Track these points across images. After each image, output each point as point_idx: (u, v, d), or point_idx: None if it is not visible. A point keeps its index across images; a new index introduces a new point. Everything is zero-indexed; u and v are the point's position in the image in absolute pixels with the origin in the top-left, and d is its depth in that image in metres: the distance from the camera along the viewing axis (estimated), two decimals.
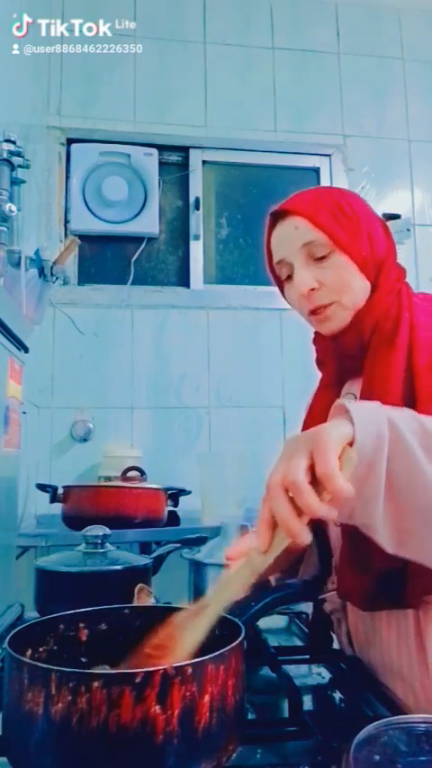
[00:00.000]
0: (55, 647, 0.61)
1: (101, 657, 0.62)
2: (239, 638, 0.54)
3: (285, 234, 0.85)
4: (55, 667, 0.47)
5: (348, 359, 0.86)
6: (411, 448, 0.59)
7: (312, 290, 0.83)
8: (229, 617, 0.60)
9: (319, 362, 0.94)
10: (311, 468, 0.54)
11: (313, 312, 0.85)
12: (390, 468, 0.59)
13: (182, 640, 0.55)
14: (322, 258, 0.83)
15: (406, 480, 0.59)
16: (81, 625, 0.64)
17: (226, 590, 0.58)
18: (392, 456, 0.59)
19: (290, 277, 0.86)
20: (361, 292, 0.83)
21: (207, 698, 0.48)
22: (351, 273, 0.83)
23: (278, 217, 0.86)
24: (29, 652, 0.58)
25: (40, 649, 0.60)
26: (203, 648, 0.53)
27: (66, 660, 0.58)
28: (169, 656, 0.54)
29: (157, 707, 0.45)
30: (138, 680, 0.45)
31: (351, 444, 0.57)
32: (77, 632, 0.64)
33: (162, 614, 0.62)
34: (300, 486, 0.53)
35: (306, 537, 0.53)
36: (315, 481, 0.54)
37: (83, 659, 0.63)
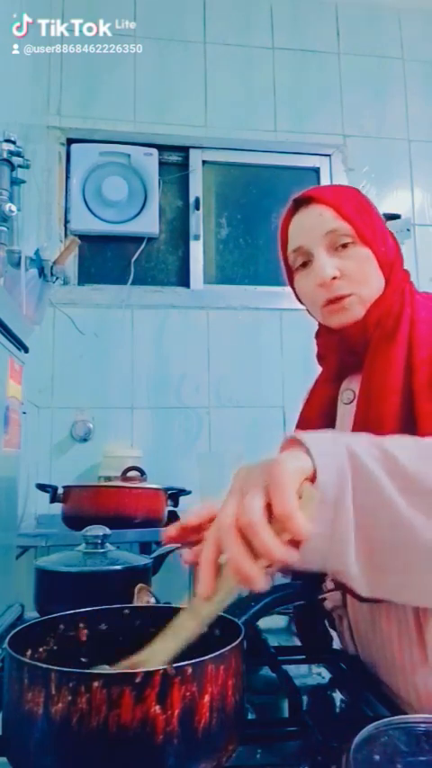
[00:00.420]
0: (55, 647, 0.61)
1: (101, 657, 0.62)
2: (239, 639, 0.54)
3: (308, 220, 0.85)
4: (55, 667, 0.47)
5: (350, 354, 0.86)
6: (375, 477, 0.54)
7: (334, 278, 0.83)
8: (229, 617, 0.60)
9: (320, 357, 0.94)
10: (268, 507, 0.48)
11: (330, 302, 0.84)
12: (355, 502, 0.53)
13: None
14: (344, 248, 0.83)
15: (373, 512, 0.54)
16: (81, 625, 0.64)
17: (168, 644, 0.52)
18: (356, 488, 0.53)
19: (305, 265, 0.86)
20: (377, 288, 0.84)
21: (207, 698, 0.48)
22: (371, 266, 0.83)
23: (300, 204, 0.86)
24: (29, 652, 0.58)
25: (40, 649, 0.60)
26: (203, 648, 0.53)
27: (66, 660, 0.58)
28: None
29: (157, 707, 0.45)
30: (138, 680, 0.45)
31: (312, 480, 0.52)
32: (77, 632, 0.64)
33: (162, 614, 0.62)
34: (257, 527, 0.47)
35: (263, 584, 0.48)
36: (272, 520, 0.48)
37: (83, 659, 0.63)
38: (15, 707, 0.48)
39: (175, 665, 0.47)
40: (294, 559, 0.48)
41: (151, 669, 0.46)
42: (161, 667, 0.46)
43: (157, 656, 0.52)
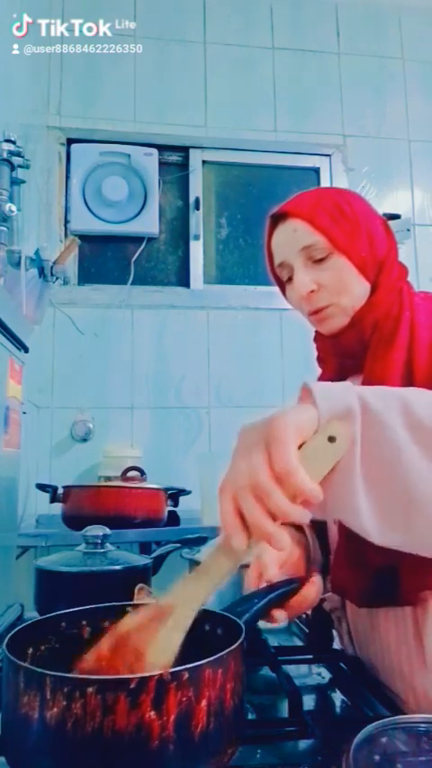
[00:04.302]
0: (57, 645, 0.61)
1: None
2: (239, 641, 0.53)
3: (285, 237, 0.85)
4: (50, 672, 0.46)
5: (349, 357, 0.87)
6: (387, 426, 0.52)
7: (311, 292, 0.83)
8: (230, 616, 0.60)
9: (320, 360, 0.95)
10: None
11: (313, 313, 0.86)
12: (363, 450, 0.52)
13: (157, 645, 0.51)
14: (321, 260, 0.83)
15: (383, 461, 0.52)
16: (83, 623, 0.64)
17: (200, 588, 0.52)
18: (366, 437, 0.52)
19: (290, 279, 0.86)
20: (360, 293, 0.84)
21: (204, 703, 0.47)
22: (350, 275, 0.83)
23: (278, 219, 0.86)
24: (30, 650, 0.58)
25: (42, 647, 0.60)
26: (203, 648, 0.53)
27: (68, 658, 0.58)
28: (142, 665, 0.51)
29: (152, 713, 0.45)
30: (132, 686, 0.45)
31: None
32: (80, 630, 0.64)
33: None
34: (264, 488, 0.48)
35: (284, 541, 0.49)
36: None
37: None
38: (12, 709, 0.48)
39: (171, 669, 0.46)
40: (307, 518, 0.49)
41: (146, 675, 0.45)
42: (156, 673, 0.45)
43: (188, 602, 0.52)
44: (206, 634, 0.62)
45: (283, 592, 0.70)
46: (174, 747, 0.45)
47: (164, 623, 0.52)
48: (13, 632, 0.55)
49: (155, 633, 0.52)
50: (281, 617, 0.69)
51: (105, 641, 0.55)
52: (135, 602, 0.68)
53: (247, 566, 0.73)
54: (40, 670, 0.47)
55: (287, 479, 0.48)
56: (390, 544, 0.55)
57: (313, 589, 0.73)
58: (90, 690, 0.44)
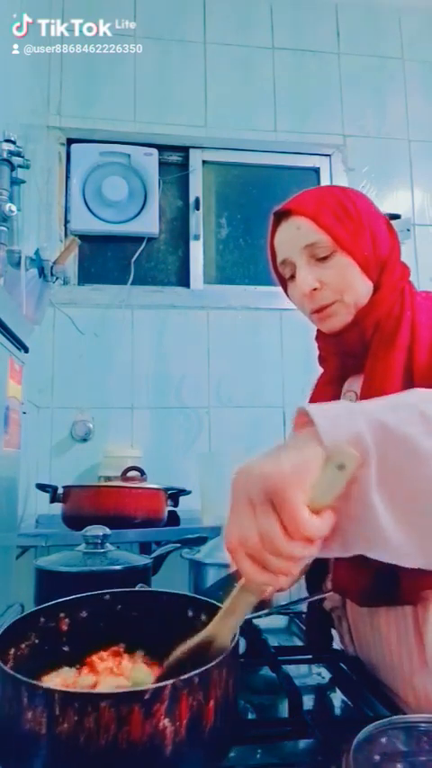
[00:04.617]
0: (37, 641, 0.61)
1: (84, 645, 0.62)
2: (235, 639, 0.54)
3: (288, 234, 0.85)
4: (59, 689, 0.46)
5: (350, 357, 0.87)
6: (411, 440, 0.49)
7: (314, 290, 0.83)
8: (214, 602, 0.61)
9: (322, 359, 0.95)
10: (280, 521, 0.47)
11: (315, 311, 0.86)
12: (386, 472, 0.49)
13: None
14: (324, 258, 0.83)
15: (413, 480, 0.49)
16: (61, 615, 0.63)
17: (232, 620, 0.54)
18: (383, 458, 0.49)
19: (293, 276, 0.86)
20: (363, 292, 0.84)
21: (213, 703, 0.48)
22: (353, 273, 0.83)
23: (281, 217, 0.86)
24: (12, 651, 0.58)
25: (22, 646, 0.59)
26: (185, 632, 0.53)
27: (47, 653, 0.58)
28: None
29: (166, 720, 0.45)
30: (147, 696, 0.45)
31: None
32: (58, 623, 0.63)
33: (142, 598, 0.62)
34: (283, 551, 0.47)
35: (289, 582, 0.50)
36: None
37: (65, 648, 0.62)
38: (9, 725, 0.47)
39: (182, 677, 0.47)
40: (297, 572, 0.49)
41: (160, 685, 0.46)
42: (170, 682, 0.46)
43: (224, 632, 0.54)
44: (190, 620, 0.62)
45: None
46: (186, 749, 0.46)
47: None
48: None
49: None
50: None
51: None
52: (113, 590, 0.67)
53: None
54: (46, 686, 0.47)
55: (302, 533, 0.46)
56: (422, 561, 0.51)
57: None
58: (104, 704, 0.44)
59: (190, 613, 0.63)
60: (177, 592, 0.67)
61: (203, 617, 0.61)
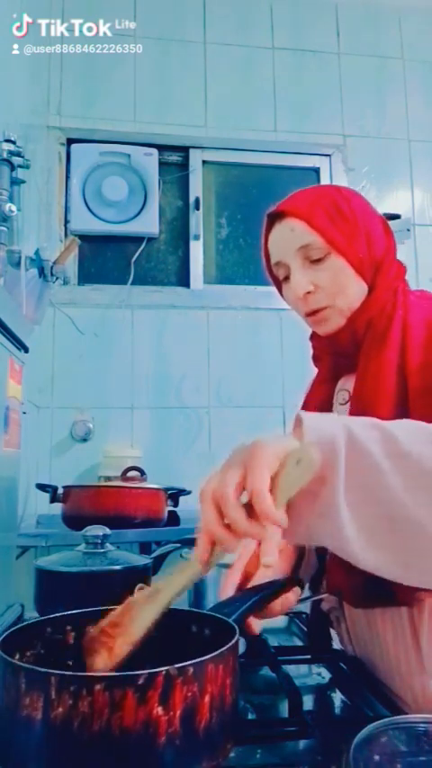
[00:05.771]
0: (42, 651, 0.60)
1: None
2: (236, 637, 0.54)
3: (282, 236, 0.84)
4: (55, 671, 0.46)
5: (343, 356, 0.87)
6: (371, 456, 0.53)
7: (308, 293, 0.83)
8: (219, 616, 0.61)
9: (316, 359, 0.95)
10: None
11: (309, 314, 0.85)
12: (348, 481, 0.53)
13: (135, 621, 0.57)
14: (319, 260, 0.82)
15: (368, 491, 0.54)
16: (68, 628, 0.63)
17: (174, 582, 0.58)
18: (350, 467, 0.53)
19: (287, 278, 0.86)
20: (357, 295, 0.83)
21: (207, 698, 0.48)
22: (347, 276, 0.82)
23: (275, 218, 0.85)
24: (17, 656, 0.58)
25: (28, 653, 0.59)
26: (195, 647, 0.53)
27: (51, 665, 0.57)
28: (123, 636, 0.56)
29: (160, 708, 0.45)
30: (140, 681, 0.45)
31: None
32: (65, 635, 0.63)
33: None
34: (225, 500, 0.50)
35: (234, 545, 0.51)
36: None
37: (69, 662, 0.62)
38: (11, 711, 0.48)
39: (176, 665, 0.47)
40: (262, 535, 0.51)
41: (154, 671, 0.46)
42: (163, 669, 0.46)
43: (172, 586, 0.57)
44: (194, 635, 0.62)
45: (266, 594, 0.70)
46: (180, 742, 0.46)
47: (149, 601, 0.57)
48: (3, 636, 0.55)
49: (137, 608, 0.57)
50: (257, 626, 0.74)
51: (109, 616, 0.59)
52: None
53: (227, 566, 0.73)
54: (43, 669, 0.47)
55: (256, 499, 0.50)
56: (373, 565, 0.55)
57: (294, 596, 0.77)
58: (98, 687, 0.44)
59: (194, 628, 0.63)
60: (183, 608, 0.67)
61: (207, 631, 0.61)
